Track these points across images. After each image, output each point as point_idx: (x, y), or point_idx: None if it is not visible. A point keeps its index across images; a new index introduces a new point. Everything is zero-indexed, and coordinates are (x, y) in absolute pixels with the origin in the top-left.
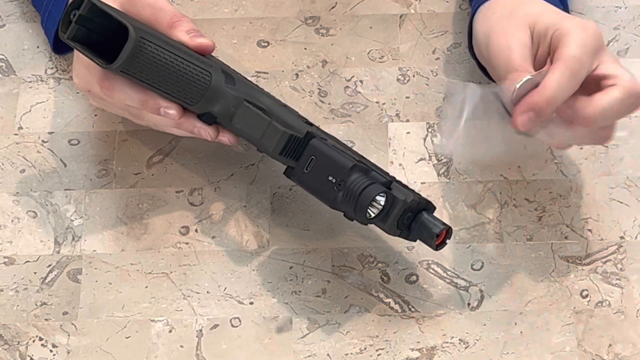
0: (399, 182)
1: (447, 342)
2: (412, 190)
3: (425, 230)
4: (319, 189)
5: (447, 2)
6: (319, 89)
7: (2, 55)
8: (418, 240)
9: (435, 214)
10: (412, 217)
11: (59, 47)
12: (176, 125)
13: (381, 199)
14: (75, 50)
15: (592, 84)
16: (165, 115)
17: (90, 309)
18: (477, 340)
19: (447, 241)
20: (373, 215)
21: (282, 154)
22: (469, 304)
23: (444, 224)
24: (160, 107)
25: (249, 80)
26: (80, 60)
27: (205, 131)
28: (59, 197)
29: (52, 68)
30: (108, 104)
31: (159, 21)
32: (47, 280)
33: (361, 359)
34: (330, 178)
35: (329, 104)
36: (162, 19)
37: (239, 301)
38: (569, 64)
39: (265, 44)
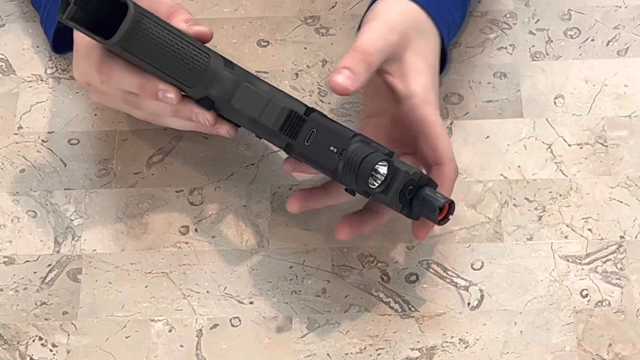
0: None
1: (447, 342)
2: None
3: (428, 204)
4: (320, 159)
5: None
6: (319, 88)
7: (2, 55)
8: (417, 240)
9: None
10: (414, 191)
11: (59, 47)
12: (174, 113)
13: (383, 168)
14: (74, 45)
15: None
16: (164, 99)
17: (90, 308)
18: (477, 339)
19: (450, 216)
20: (375, 185)
21: (282, 130)
22: (469, 304)
23: (446, 197)
24: (158, 90)
25: (246, 70)
26: (80, 53)
27: (203, 116)
28: (59, 196)
29: (52, 68)
30: (107, 97)
31: (157, 12)
32: (47, 280)
33: (361, 359)
34: (332, 148)
35: (329, 103)
36: (160, 10)
37: (239, 301)
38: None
39: (265, 43)
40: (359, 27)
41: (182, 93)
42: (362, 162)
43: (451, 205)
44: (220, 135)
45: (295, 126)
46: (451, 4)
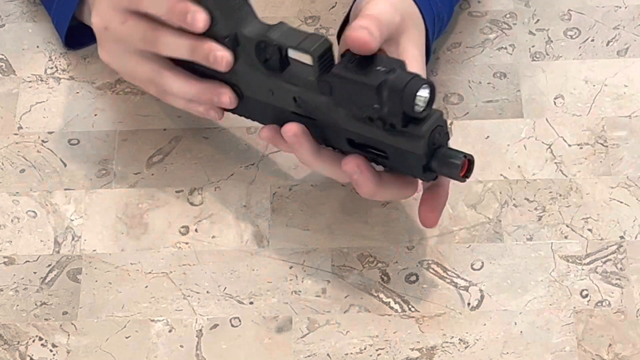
0: None
1: (447, 342)
2: None
3: (449, 158)
4: (365, 78)
5: None
6: None
7: (2, 55)
8: (417, 239)
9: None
10: (436, 146)
11: (71, 41)
12: (191, 50)
13: (425, 91)
14: None
15: None
16: (191, 24)
17: (90, 308)
18: (477, 340)
19: (469, 176)
20: (419, 109)
21: (320, 60)
22: (469, 304)
23: (466, 153)
24: (188, 11)
25: None
26: None
27: (221, 54)
28: (59, 197)
29: (51, 68)
30: (121, 44)
31: None
32: (47, 280)
33: (361, 359)
34: (379, 68)
35: None
36: None
37: (239, 301)
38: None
39: None
40: (349, 13)
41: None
42: (409, 82)
43: (471, 161)
44: (217, 108)
45: (332, 59)
46: (439, 3)
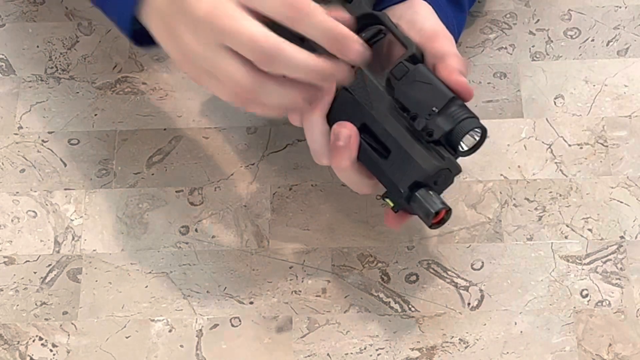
0: None
1: (447, 342)
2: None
3: (426, 204)
4: (441, 85)
5: None
6: None
7: (2, 55)
8: (417, 239)
9: None
10: (431, 184)
11: (139, 38)
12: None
13: (476, 134)
14: None
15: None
16: (346, 54)
17: (90, 308)
18: (477, 340)
19: (440, 225)
20: (465, 147)
21: (411, 57)
22: (469, 304)
23: (445, 203)
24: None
25: None
26: None
27: (359, 47)
28: (59, 196)
29: (52, 68)
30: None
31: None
32: (47, 280)
33: (361, 359)
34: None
35: None
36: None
37: (239, 301)
38: None
39: None
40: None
41: None
42: (463, 120)
43: (448, 212)
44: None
45: (417, 63)
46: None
